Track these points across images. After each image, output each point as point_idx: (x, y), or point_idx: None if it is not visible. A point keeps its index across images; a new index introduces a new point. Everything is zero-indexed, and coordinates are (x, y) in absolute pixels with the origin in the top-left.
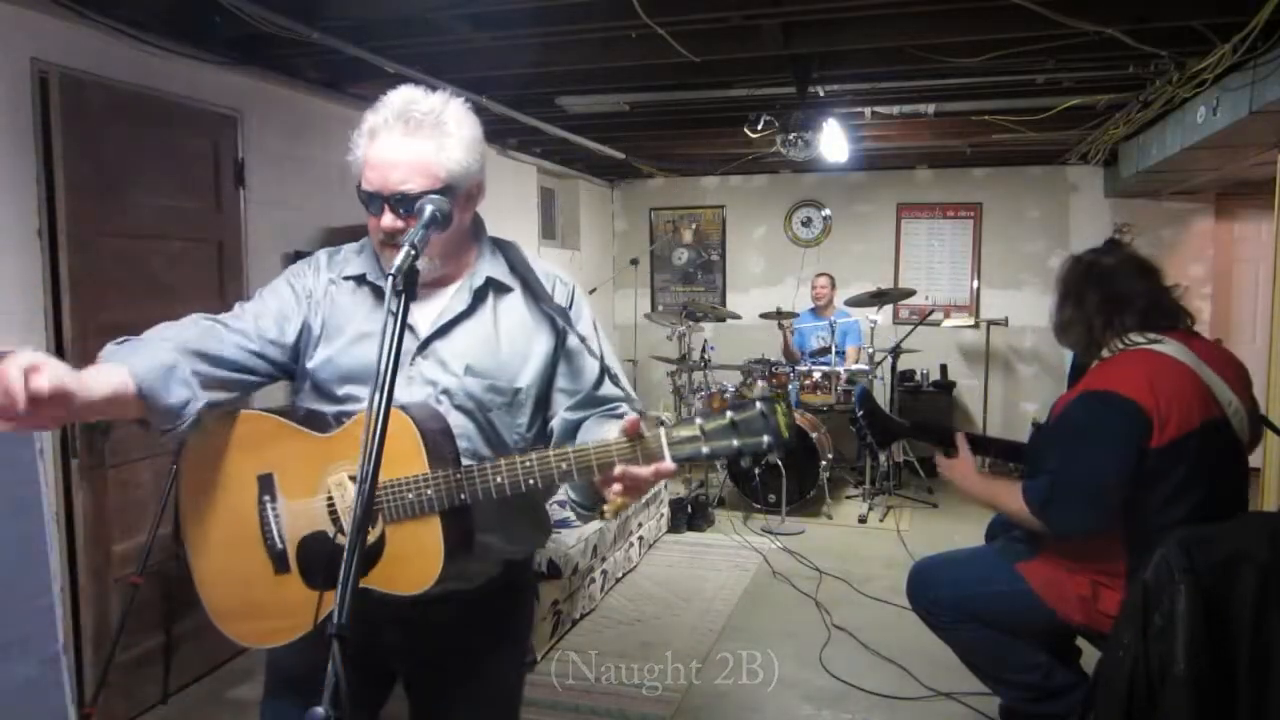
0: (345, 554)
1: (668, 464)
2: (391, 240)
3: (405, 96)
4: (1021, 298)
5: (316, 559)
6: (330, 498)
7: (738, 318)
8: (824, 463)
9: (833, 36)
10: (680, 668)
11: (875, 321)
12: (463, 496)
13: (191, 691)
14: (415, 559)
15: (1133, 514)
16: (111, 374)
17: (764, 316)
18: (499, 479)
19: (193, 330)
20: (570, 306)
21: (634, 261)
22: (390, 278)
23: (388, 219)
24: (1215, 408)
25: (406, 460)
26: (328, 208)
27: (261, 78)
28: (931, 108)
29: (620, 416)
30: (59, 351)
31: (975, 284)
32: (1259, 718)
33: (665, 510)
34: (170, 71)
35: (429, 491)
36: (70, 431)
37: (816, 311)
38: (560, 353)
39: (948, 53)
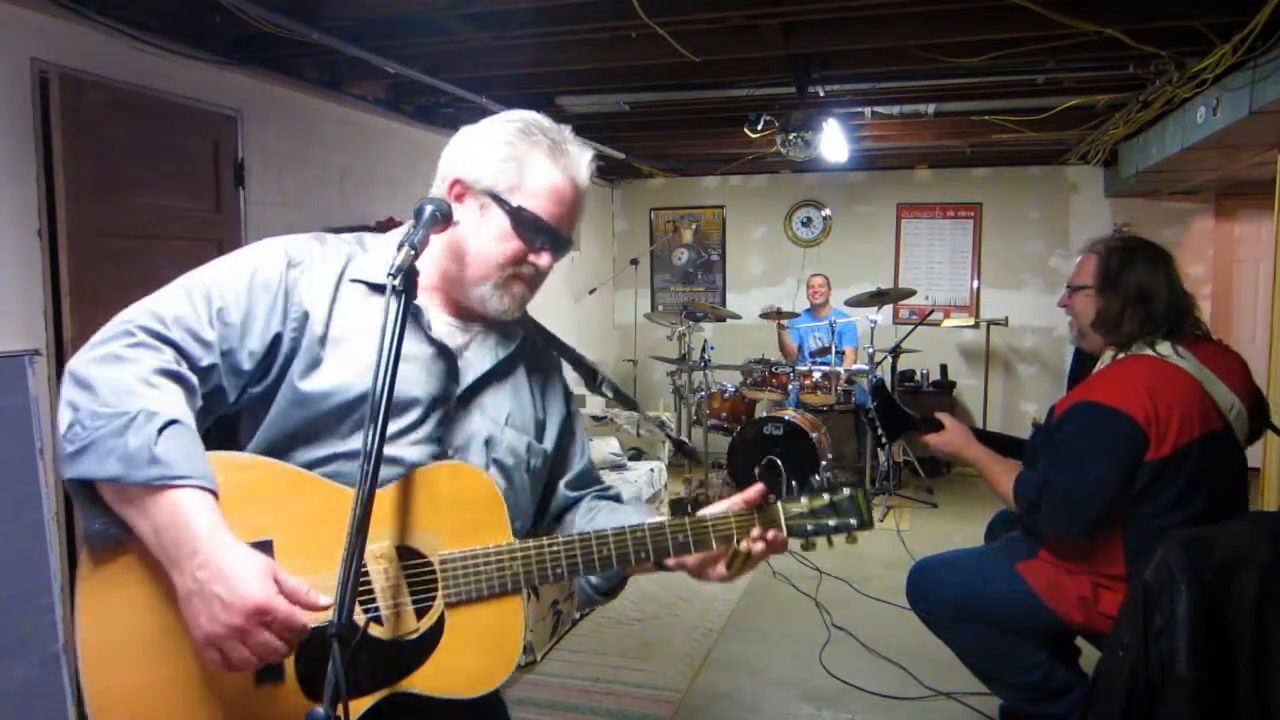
0: (345, 553)
1: (783, 535)
2: (536, 281)
3: (568, 132)
4: (1021, 298)
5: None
6: (366, 573)
7: (738, 318)
8: (824, 463)
9: (833, 36)
10: (680, 668)
11: (875, 321)
12: (558, 571)
13: None
14: (483, 650)
15: (1133, 522)
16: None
17: (764, 316)
18: (605, 551)
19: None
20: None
21: (634, 262)
22: (390, 276)
23: (547, 260)
24: (1216, 418)
25: (488, 530)
26: (328, 207)
27: (261, 78)
28: (931, 108)
29: (615, 498)
30: (59, 351)
31: (975, 284)
32: (1259, 718)
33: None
34: (170, 71)
35: (517, 566)
36: None
37: (813, 311)
38: (571, 421)
39: (948, 53)
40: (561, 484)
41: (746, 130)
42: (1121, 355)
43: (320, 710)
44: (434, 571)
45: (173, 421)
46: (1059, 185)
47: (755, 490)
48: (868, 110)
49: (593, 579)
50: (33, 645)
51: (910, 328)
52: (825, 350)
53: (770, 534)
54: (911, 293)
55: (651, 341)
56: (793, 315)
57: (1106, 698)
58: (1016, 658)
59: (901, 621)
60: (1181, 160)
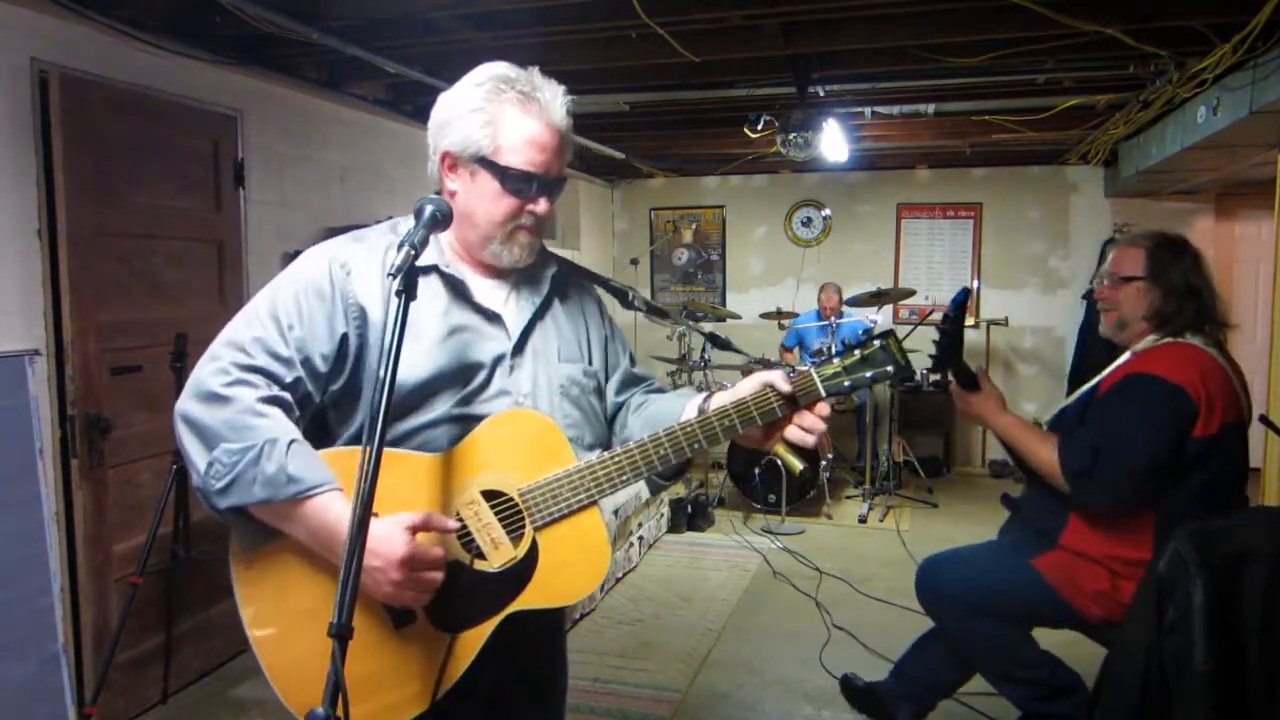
0: (345, 553)
1: (824, 399)
2: (539, 227)
3: (535, 76)
4: (1021, 298)
5: (450, 595)
6: (461, 520)
7: (738, 318)
8: (824, 462)
9: (833, 36)
10: (680, 668)
11: (875, 321)
12: (625, 478)
13: (191, 691)
14: (578, 559)
15: (1170, 502)
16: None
17: (764, 316)
18: (662, 451)
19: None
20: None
21: (634, 261)
22: (389, 277)
23: (544, 205)
24: (1240, 408)
25: (555, 458)
26: (327, 208)
27: (261, 78)
28: (931, 108)
29: (659, 391)
30: (59, 352)
31: (975, 284)
32: (1269, 710)
33: (665, 510)
34: (170, 71)
35: (587, 481)
36: (70, 431)
37: (822, 314)
38: (609, 331)
39: (948, 53)
40: (610, 389)
41: (746, 130)
42: (1162, 341)
43: (320, 710)
44: (518, 505)
45: (292, 441)
46: (1059, 185)
47: (778, 374)
48: (868, 110)
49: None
50: (33, 645)
51: (910, 328)
52: (824, 351)
53: (817, 408)
54: (911, 293)
55: (651, 341)
56: (793, 315)
57: (1116, 693)
58: (1025, 653)
59: (902, 621)
60: (1181, 160)
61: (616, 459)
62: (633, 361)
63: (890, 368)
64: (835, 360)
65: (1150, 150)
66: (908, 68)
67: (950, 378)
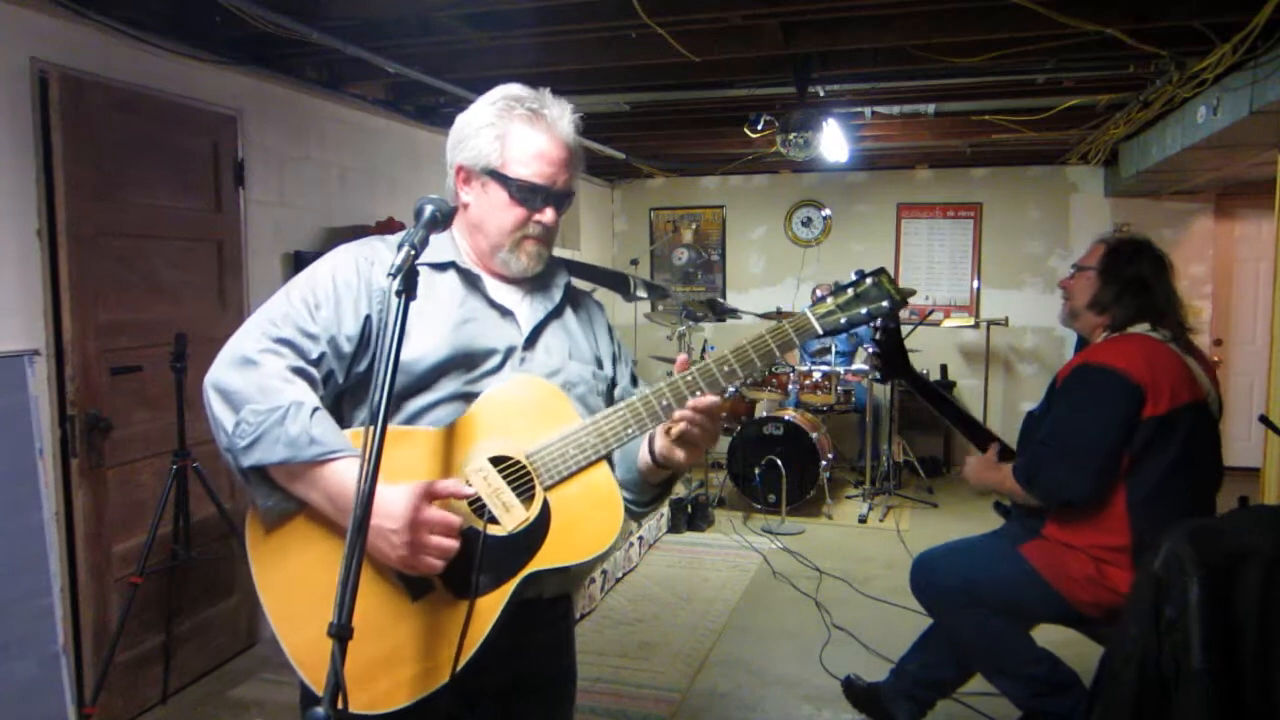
0: (345, 554)
1: (821, 335)
2: (546, 237)
3: (545, 95)
4: (1021, 298)
5: (466, 561)
6: (471, 487)
7: (738, 318)
8: (824, 462)
9: (833, 36)
10: (680, 668)
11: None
12: (630, 431)
13: (191, 691)
14: (591, 515)
15: (1136, 486)
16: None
17: (764, 316)
18: (664, 401)
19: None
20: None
21: (634, 262)
22: (389, 277)
23: (550, 215)
24: (1199, 390)
25: (559, 419)
26: (327, 208)
27: (261, 78)
28: (931, 108)
29: None
30: (59, 352)
31: (975, 284)
32: (1266, 709)
33: (665, 510)
34: (170, 71)
35: (593, 438)
36: (70, 431)
37: None
38: (616, 349)
39: (948, 53)
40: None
41: (746, 130)
42: (1113, 335)
43: (320, 710)
44: (526, 468)
45: (316, 408)
46: (1059, 185)
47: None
48: (868, 110)
49: (628, 494)
50: (33, 645)
51: (910, 328)
52: (825, 350)
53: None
54: (911, 293)
55: (651, 342)
56: (793, 315)
57: (1114, 691)
58: (1023, 649)
59: (902, 621)
60: (1181, 160)
61: (620, 412)
62: (634, 381)
63: (885, 303)
64: (829, 300)
65: (1150, 150)
66: (908, 68)
67: (908, 385)
